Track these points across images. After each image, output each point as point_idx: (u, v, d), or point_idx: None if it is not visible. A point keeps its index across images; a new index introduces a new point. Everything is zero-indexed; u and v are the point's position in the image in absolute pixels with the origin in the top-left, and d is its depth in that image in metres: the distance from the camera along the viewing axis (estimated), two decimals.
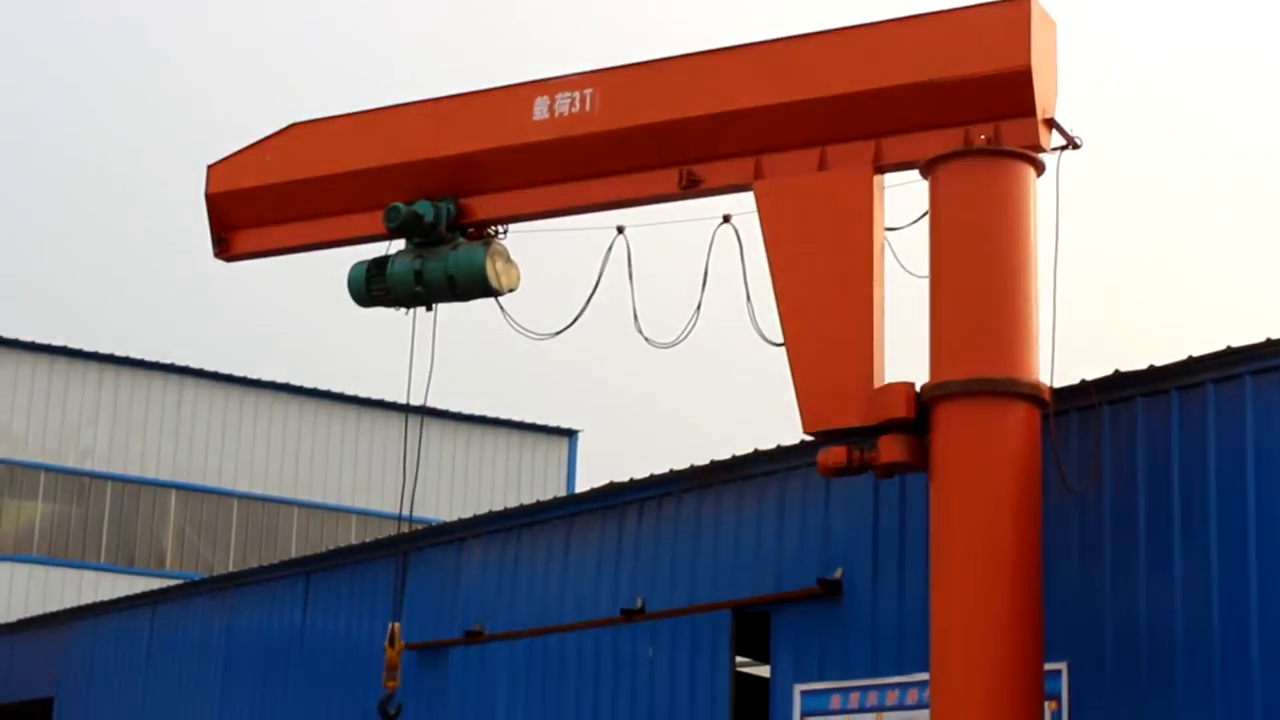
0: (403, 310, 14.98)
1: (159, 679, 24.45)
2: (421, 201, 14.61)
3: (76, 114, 74.20)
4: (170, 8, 76.27)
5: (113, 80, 75.91)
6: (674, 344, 14.04)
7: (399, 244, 14.97)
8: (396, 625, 15.20)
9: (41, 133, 73.47)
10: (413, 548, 19.87)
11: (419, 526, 21.56)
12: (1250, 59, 64.85)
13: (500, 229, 14.82)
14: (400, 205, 14.55)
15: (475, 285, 14.55)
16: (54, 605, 33.82)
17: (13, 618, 33.33)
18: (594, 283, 14.29)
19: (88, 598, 34.00)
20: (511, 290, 14.68)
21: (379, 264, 14.93)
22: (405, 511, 15.35)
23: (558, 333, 14.47)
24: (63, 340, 36.94)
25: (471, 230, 14.76)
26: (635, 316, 14.14)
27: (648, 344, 14.14)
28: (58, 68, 73.83)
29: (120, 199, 72.59)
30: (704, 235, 13.89)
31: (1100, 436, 12.91)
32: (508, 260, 14.67)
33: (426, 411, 15.33)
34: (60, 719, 26.90)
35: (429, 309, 14.93)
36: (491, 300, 14.68)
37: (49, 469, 36.55)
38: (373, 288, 14.92)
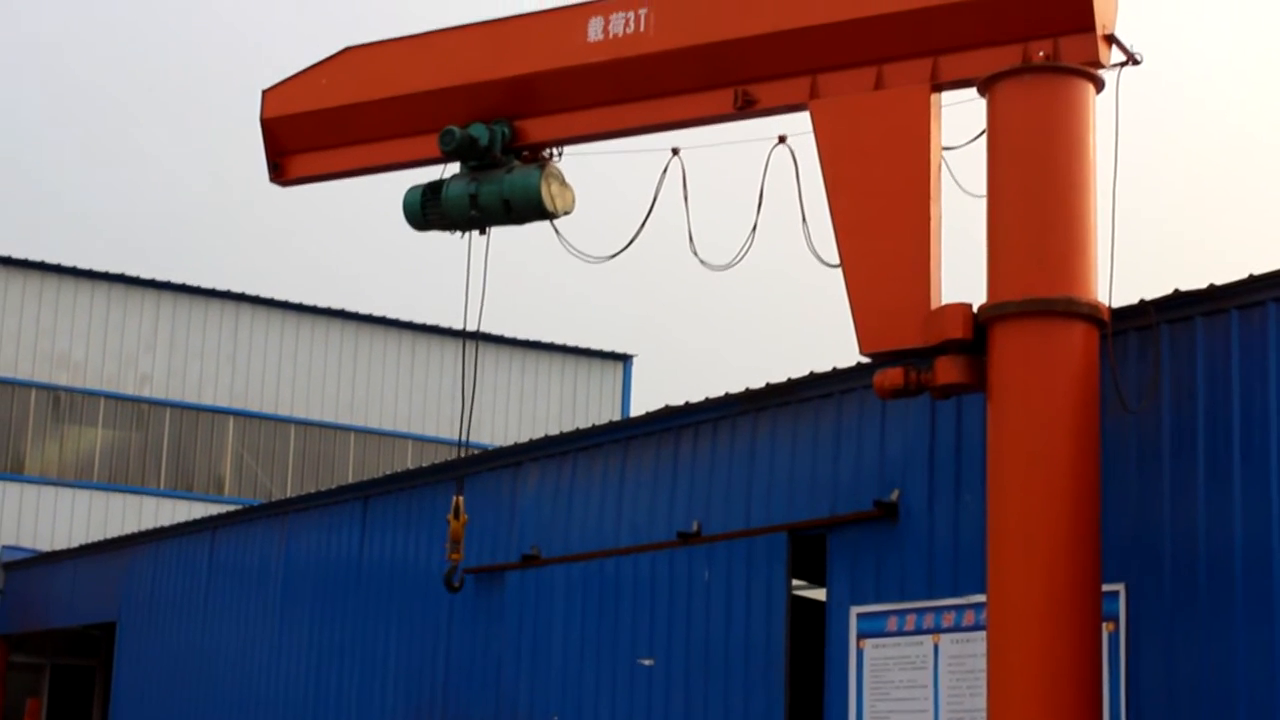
0: (458, 234, 14.98)
1: (219, 603, 24.68)
2: (476, 124, 14.58)
3: (130, 41, 74.32)
4: None
5: (164, 6, 75.92)
6: (729, 266, 14.01)
7: (454, 168, 14.96)
8: (460, 499, 15.34)
9: (96, 61, 73.66)
10: (468, 472, 19.94)
11: (475, 451, 21.61)
12: None
13: (555, 151, 14.78)
14: (455, 128, 14.53)
15: (530, 208, 14.53)
16: (115, 531, 34.15)
17: (74, 543, 33.68)
18: (649, 205, 14.25)
19: (148, 523, 34.32)
20: (567, 213, 14.65)
21: (434, 188, 14.94)
22: (463, 435, 15.46)
23: (613, 255, 14.45)
24: (120, 268, 37.15)
25: (526, 153, 14.73)
26: (690, 238, 14.10)
27: (703, 266, 14.11)
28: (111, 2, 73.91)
29: (175, 124, 72.77)
30: (759, 156, 13.82)
31: (1159, 357, 12.81)
32: (563, 183, 14.64)
33: (481, 337, 15.35)
34: (122, 642, 27.22)
35: (483, 232, 14.94)
36: (546, 223, 14.66)
37: (108, 395, 36.79)
38: (428, 211, 14.93)
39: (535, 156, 14.74)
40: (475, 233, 14.95)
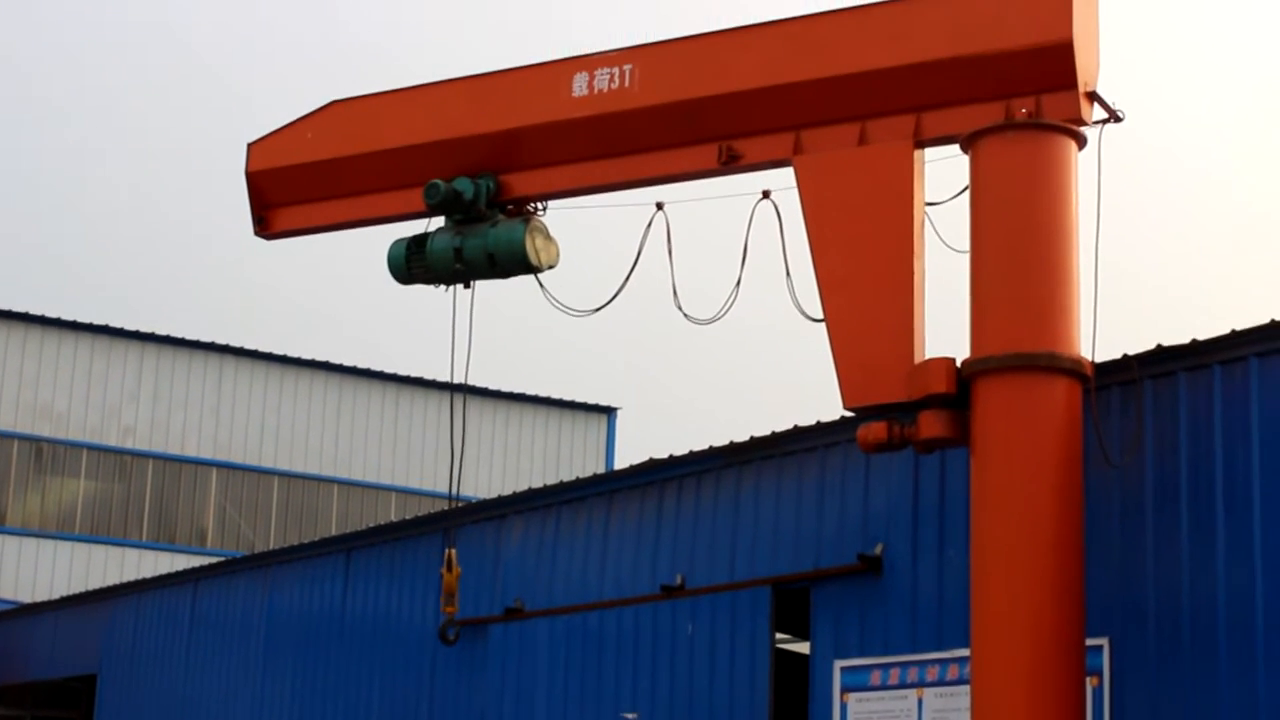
0: (442, 288, 15.00)
1: (200, 656, 24.56)
2: (461, 178, 14.62)
3: (114, 91, 74.44)
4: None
5: (148, 60, 76.09)
6: (713, 320, 14.05)
7: (438, 221, 14.98)
8: (452, 551, 15.32)
9: (79, 114, 73.77)
10: (453, 524, 19.91)
11: (460, 503, 21.61)
12: None
13: (540, 206, 14.82)
14: (440, 182, 14.57)
15: (515, 262, 14.55)
16: (96, 583, 34.03)
17: (56, 595, 33.54)
18: (634, 259, 14.29)
19: (129, 575, 34.20)
20: (551, 267, 14.68)
21: (419, 241, 14.94)
22: (453, 488, 15.48)
23: (598, 309, 14.49)
24: (104, 319, 37.15)
25: (511, 207, 14.77)
26: (675, 293, 14.14)
27: (687, 320, 14.15)
28: (94, 52, 74.06)
29: (158, 175, 72.84)
30: (743, 211, 13.89)
31: (1142, 411, 12.86)
32: (547, 237, 14.67)
33: (468, 390, 15.34)
34: (103, 695, 27.06)
35: (468, 286, 14.96)
36: (530, 277, 14.68)
37: (91, 447, 36.73)
38: (413, 265, 14.94)
39: (520, 210, 14.78)
40: (460, 286, 14.98)
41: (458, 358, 14.80)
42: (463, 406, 15.38)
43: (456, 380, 14.81)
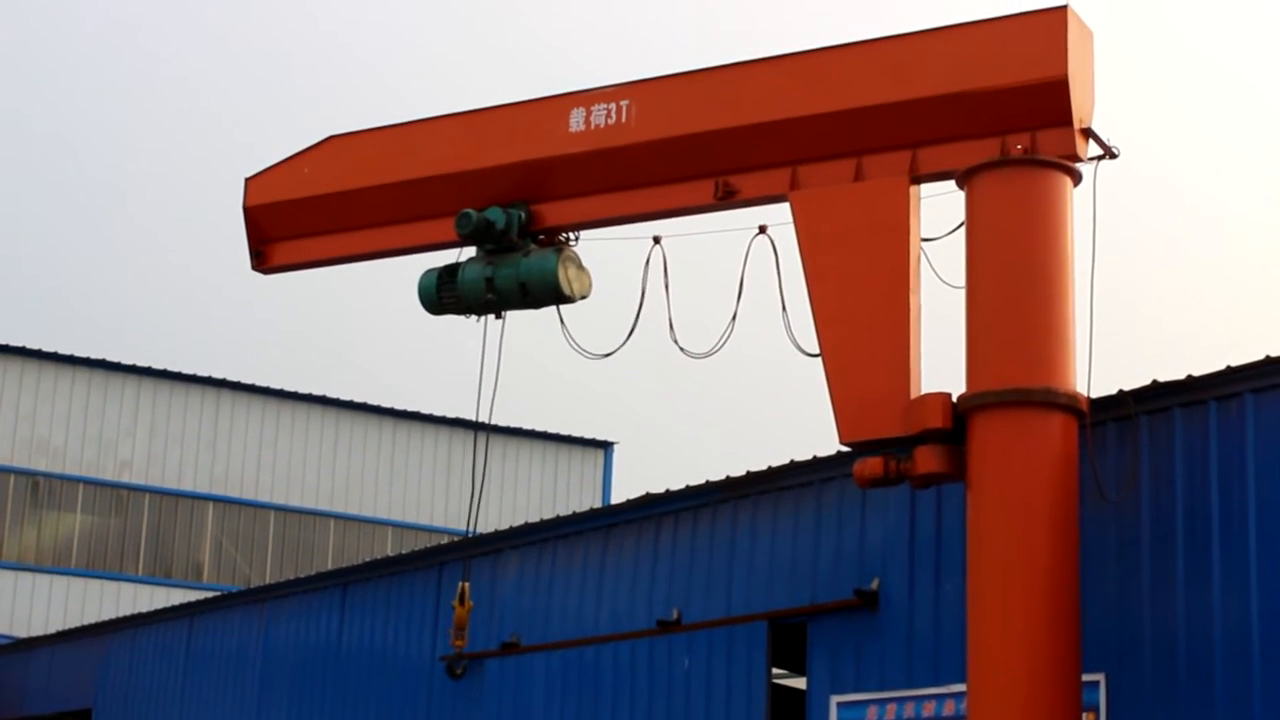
0: (473, 318, 14.87)
1: (196, 691, 24.50)
2: (492, 208, 14.50)
3: (111, 125, 74.60)
4: (203, 25, 76.62)
5: (146, 92, 76.28)
6: (709, 354, 14.06)
7: (468, 251, 14.82)
8: (465, 585, 15.16)
9: (77, 148, 73.90)
10: (449, 559, 19.90)
11: (454, 538, 21.60)
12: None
13: (572, 236, 14.71)
14: (471, 211, 14.42)
15: (547, 292, 14.41)
16: (92, 617, 33.99)
17: (51, 629, 33.48)
18: (639, 296, 14.24)
19: (125, 610, 34.14)
20: (583, 297, 14.52)
21: (450, 271, 14.82)
22: (471, 521, 15.45)
23: (610, 353, 14.43)
24: (100, 353, 37.17)
25: (542, 237, 14.68)
26: (671, 327, 14.15)
27: (683, 354, 14.15)
28: (89, 81, 74.23)
29: (155, 209, 72.93)
30: (739, 246, 13.91)
31: (1138, 447, 12.87)
32: (579, 267, 14.54)
33: (492, 429, 15.27)
34: None
35: (499, 317, 14.83)
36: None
37: (87, 481, 36.71)
38: (444, 295, 14.80)
39: (552, 240, 14.68)
40: (491, 316, 14.86)
41: (485, 389, 14.72)
42: (486, 438, 15.29)
43: (483, 406, 14.73)
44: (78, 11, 74.52)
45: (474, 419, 14.87)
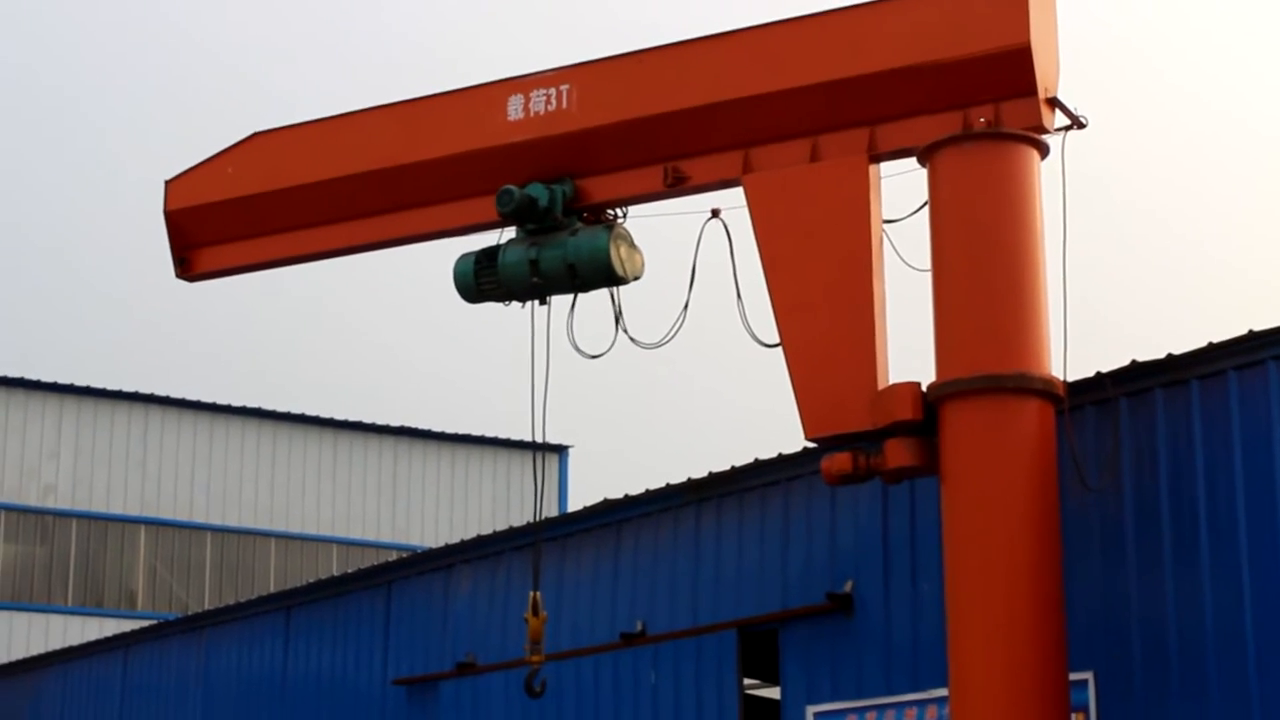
0: (516, 304, 14.48)
1: None
2: (535, 184, 14.15)
3: (24, 136, 74.16)
4: (120, 27, 76.29)
5: (61, 97, 75.87)
6: (660, 344, 13.94)
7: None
8: (537, 594, 14.57)
9: None
10: (397, 577, 19.86)
11: (404, 554, 21.56)
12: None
13: (620, 212, 14.32)
14: (513, 188, 14.00)
15: (598, 273, 14.01)
16: (20, 653, 33.76)
17: None
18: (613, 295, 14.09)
19: (55, 643, 33.94)
20: (636, 278, 14.15)
21: (489, 255, 14.40)
22: (537, 511, 15.65)
23: (599, 355, 14.25)
24: (18, 371, 36.96)
25: (586, 215, 14.26)
26: (618, 317, 14.08)
27: (633, 344, 14.05)
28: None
29: (71, 218, 72.53)
30: (691, 230, 13.87)
31: (1118, 431, 12.93)
32: (631, 245, 14.16)
33: (540, 447, 15.06)
34: None
35: (544, 303, 14.41)
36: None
37: (9, 508, 36.50)
38: (483, 281, 14.39)
39: (597, 217, 14.25)
40: (536, 303, 14.41)
41: (537, 384, 14.31)
42: (541, 452, 14.89)
43: (538, 407, 14.45)
44: None
45: (532, 428, 14.54)
